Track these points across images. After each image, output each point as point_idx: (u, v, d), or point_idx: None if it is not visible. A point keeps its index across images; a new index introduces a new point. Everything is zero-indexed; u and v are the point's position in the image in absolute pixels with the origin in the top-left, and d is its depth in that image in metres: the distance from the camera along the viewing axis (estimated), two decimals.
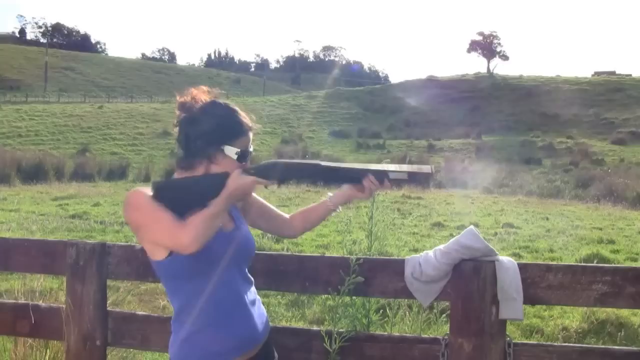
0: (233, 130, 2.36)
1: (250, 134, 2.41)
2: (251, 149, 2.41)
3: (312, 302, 6.94)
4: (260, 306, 2.50)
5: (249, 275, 2.50)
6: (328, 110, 70.78)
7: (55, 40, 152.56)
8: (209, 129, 2.33)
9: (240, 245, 2.40)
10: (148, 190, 2.30)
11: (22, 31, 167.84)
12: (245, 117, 2.42)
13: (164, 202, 2.25)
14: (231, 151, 2.34)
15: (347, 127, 60.95)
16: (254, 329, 2.39)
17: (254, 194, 2.49)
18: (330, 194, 2.55)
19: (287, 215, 2.67)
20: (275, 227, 2.66)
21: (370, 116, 69.03)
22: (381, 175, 2.45)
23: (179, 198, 2.28)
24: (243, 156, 2.37)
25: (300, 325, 6.17)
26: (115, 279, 3.23)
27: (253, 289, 2.50)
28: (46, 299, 5.24)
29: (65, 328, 3.03)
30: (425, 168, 2.48)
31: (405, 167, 2.48)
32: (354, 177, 2.47)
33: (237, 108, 2.43)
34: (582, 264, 2.96)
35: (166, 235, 2.20)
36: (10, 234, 10.73)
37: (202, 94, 2.41)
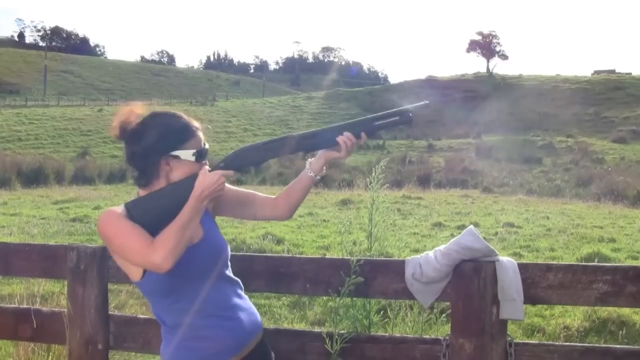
0: (181, 134, 2.31)
1: (200, 134, 2.36)
2: (206, 146, 2.36)
3: (313, 304, 6.95)
4: (247, 305, 2.46)
5: (232, 276, 2.46)
6: (327, 111, 70.91)
7: (54, 43, 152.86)
8: (156, 140, 2.28)
9: (212, 254, 2.36)
10: (119, 209, 2.26)
11: (21, 35, 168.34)
12: (189, 119, 2.37)
13: (137, 220, 2.21)
14: (187, 154, 2.30)
15: None
16: (241, 331, 2.37)
17: (226, 184, 2.38)
18: (308, 161, 2.48)
19: (271, 197, 2.58)
20: (257, 212, 2.57)
21: None
22: (358, 128, 2.40)
23: (152, 214, 2.24)
24: (201, 155, 2.32)
25: (301, 326, 6.18)
26: (116, 282, 3.23)
27: (238, 289, 2.47)
28: (47, 303, 5.26)
29: (67, 332, 3.04)
30: (420, 103, 2.42)
31: (394, 110, 2.42)
32: (332, 139, 2.40)
33: (178, 112, 2.38)
34: (583, 263, 2.96)
35: (138, 257, 2.17)
36: (11, 239, 10.74)
37: (136, 110, 2.36)
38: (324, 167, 2.48)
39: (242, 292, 2.49)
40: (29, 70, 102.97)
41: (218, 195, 2.30)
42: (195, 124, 2.37)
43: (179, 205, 2.22)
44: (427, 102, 2.46)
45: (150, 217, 2.24)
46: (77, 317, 3.00)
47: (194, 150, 2.30)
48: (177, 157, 2.29)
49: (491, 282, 2.53)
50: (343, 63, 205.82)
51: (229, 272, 2.46)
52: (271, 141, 2.43)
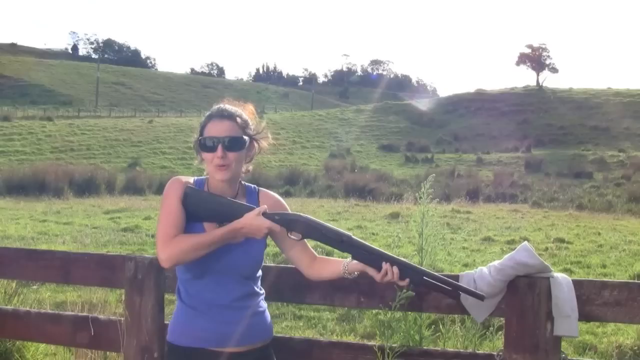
0: (203, 123, 2.52)
1: (216, 123, 2.47)
2: (207, 135, 2.47)
3: (362, 317, 6.95)
4: (255, 314, 2.52)
5: (255, 287, 2.55)
6: (376, 124, 70.79)
7: (106, 56, 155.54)
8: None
9: (233, 258, 2.45)
10: (183, 184, 2.46)
11: (75, 47, 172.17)
12: (221, 105, 2.54)
13: (186, 206, 2.41)
14: (194, 141, 2.53)
15: (395, 141, 60.83)
16: (227, 330, 2.44)
17: None
18: (350, 259, 2.48)
19: (313, 254, 2.63)
20: (296, 258, 2.61)
21: (419, 130, 68.76)
22: (408, 272, 2.37)
23: (200, 211, 2.42)
24: (200, 143, 2.48)
25: (350, 339, 6.18)
26: (172, 292, 3.28)
27: (255, 299, 2.54)
28: (100, 311, 5.37)
29: (124, 340, 3.10)
30: (478, 293, 2.43)
31: (450, 280, 2.42)
32: (380, 264, 2.38)
33: (224, 101, 2.57)
34: (638, 281, 2.92)
35: (157, 239, 2.40)
36: (65, 247, 10.97)
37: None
38: (356, 273, 2.49)
39: (262, 303, 2.58)
40: (82, 82, 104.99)
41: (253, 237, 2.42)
42: (224, 108, 2.53)
43: (221, 217, 2.40)
44: (485, 296, 2.44)
45: (197, 212, 2.42)
46: (133, 326, 3.05)
47: (197, 137, 2.51)
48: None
49: (545, 298, 2.52)
50: (392, 76, 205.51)
51: (255, 284, 2.56)
52: (333, 231, 2.44)
